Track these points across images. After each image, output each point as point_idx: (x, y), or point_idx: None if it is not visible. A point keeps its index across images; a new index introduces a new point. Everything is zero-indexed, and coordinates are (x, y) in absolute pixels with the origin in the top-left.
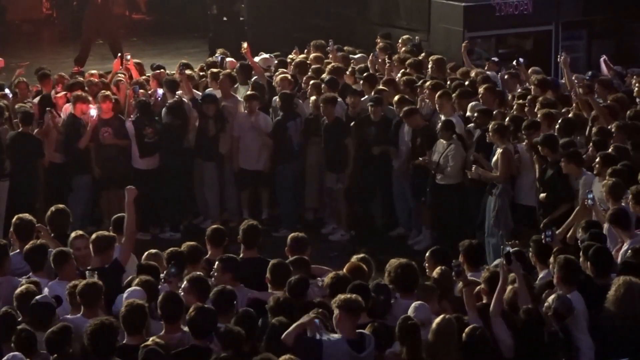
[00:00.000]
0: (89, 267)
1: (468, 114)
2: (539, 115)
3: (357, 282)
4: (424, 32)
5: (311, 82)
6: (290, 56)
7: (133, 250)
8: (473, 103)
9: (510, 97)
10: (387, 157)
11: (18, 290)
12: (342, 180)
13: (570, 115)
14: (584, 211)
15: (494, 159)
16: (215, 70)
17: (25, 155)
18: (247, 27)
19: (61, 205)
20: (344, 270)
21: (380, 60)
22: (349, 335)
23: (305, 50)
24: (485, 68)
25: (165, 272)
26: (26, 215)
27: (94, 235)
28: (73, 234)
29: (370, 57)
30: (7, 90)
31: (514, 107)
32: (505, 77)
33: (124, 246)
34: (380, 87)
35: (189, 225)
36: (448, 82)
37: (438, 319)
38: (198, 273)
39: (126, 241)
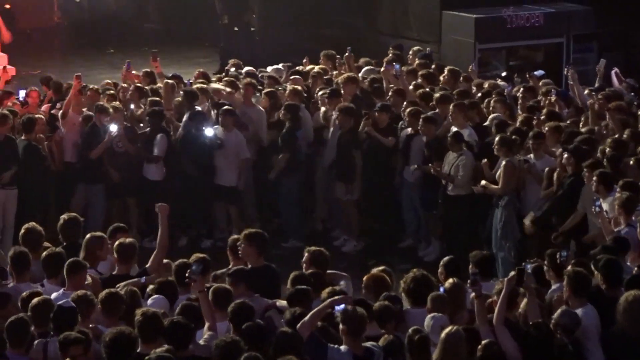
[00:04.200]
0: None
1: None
2: (545, 128)
3: (360, 298)
4: (435, 44)
5: (321, 92)
6: (299, 67)
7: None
8: (494, 114)
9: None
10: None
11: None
12: (352, 191)
13: (584, 129)
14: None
15: (498, 171)
16: (232, 79)
17: (29, 163)
18: (257, 37)
19: (73, 214)
20: (365, 280)
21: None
22: (354, 349)
23: (320, 61)
24: (498, 80)
25: (188, 271)
26: (34, 225)
27: (117, 243)
28: (88, 235)
29: (383, 68)
30: (21, 93)
31: (521, 119)
32: (521, 90)
33: (156, 257)
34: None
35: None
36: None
37: (447, 330)
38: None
39: (158, 253)
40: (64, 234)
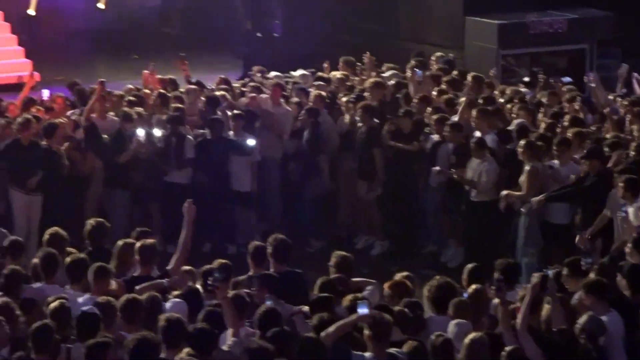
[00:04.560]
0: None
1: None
2: (569, 134)
3: (381, 303)
4: (458, 50)
5: (345, 98)
6: (320, 73)
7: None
8: (518, 120)
9: (541, 116)
10: (420, 173)
11: (52, 305)
12: (373, 189)
13: (608, 135)
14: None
15: (522, 177)
16: (256, 83)
17: (49, 168)
18: (280, 43)
19: (100, 219)
20: (387, 287)
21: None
22: (379, 355)
23: (339, 67)
24: (520, 86)
25: (210, 278)
26: (58, 230)
27: (139, 244)
28: (120, 243)
29: (409, 74)
30: (44, 93)
31: (545, 125)
32: (545, 96)
33: (178, 260)
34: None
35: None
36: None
37: (470, 336)
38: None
39: (180, 256)
40: (91, 239)
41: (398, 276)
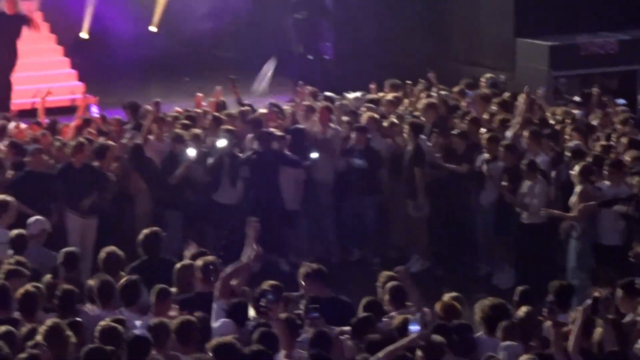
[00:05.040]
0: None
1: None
2: (627, 157)
3: (440, 323)
4: (509, 71)
5: (391, 121)
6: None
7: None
8: (574, 142)
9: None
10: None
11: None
12: (419, 208)
13: None
14: None
15: (573, 198)
16: (308, 104)
17: (100, 190)
18: (331, 65)
19: (155, 228)
20: (437, 309)
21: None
22: None
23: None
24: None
25: (263, 300)
26: (115, 250)
27: (200, 261)
28: (178, 265)
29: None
30: (93, 109)
31: (600, 147)
32: (597, 117)
33: (240, 278)
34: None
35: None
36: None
37: (522, 358)
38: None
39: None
40: (145, 248)
41: (447, 297)
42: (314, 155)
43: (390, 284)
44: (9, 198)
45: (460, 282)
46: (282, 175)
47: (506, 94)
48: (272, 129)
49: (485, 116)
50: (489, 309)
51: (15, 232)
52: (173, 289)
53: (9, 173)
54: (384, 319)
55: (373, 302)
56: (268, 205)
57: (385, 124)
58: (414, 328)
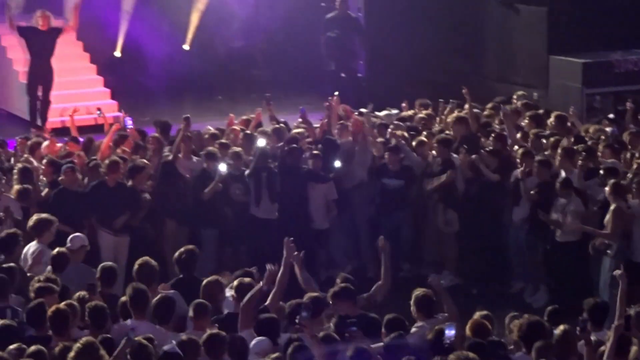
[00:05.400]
0: None
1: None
2: None
3: (475, 341)
4: (542, 89)
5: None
6: (404, 113)
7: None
8: (610, 160)
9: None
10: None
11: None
12: (450, 223)
13: None
14: None
15: (607, 216)
16: (342, 121)
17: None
18: (364, 83)
19: (191, 246)
20: (467, 328)
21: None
22: None
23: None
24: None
25: (298, 317)
26: (148, 260)
27: (236, 283)
28: (205, 281)
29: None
30: (128, 122)
31: (636, 165)
32: (631, 135)
33: (275, 295)
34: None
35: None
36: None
37: None
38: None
39: (277, 291)
40: (181, 266)
41: (477, 315)
42: (338, 164)
43: (418, 294)
44: (51, 217)
45: (492, 299)
46: (312, 192)
47: (539, 110)
48: (301, 145)
49: (517, 132)
50: (527, 327)
51: (56, 250)
52: None
53: (46, 191)
54: (413, 329)
55: (395, 319)
56: (296, 222)
57: (414, 142)
58: (450, 333)
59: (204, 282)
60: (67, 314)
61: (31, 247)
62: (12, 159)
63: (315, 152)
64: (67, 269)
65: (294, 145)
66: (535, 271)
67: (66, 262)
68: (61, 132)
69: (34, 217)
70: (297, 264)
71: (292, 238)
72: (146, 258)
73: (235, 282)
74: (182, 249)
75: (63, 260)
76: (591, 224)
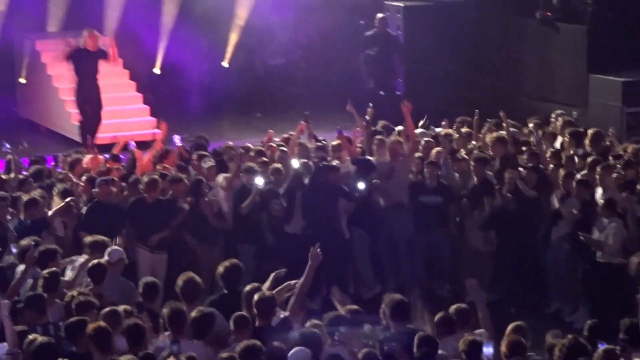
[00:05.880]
0: None
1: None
2: None
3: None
4: (582, 108)
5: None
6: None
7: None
8: None
9: None
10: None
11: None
12: (488, 242)
13: None
14: None
15: None
16: (380, 137)
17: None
18: (403, 100)
19: (235, 260)
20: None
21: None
22: None
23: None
24: None
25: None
26: (193, 276)
27: (256, 297)
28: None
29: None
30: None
31: None
32: None
33: (295, 304)
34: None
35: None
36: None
37: None
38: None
39: (297, 300)
40: (225, 281)
41: (510, 330)
42: (362, 186)
43: (454, 306)
44: (106, 238)
45: (529, 318)
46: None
47: (579, 128)
48: (332, 162)
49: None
50: (567, 348)
51: (95, 261)
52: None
53: (84, 208)
54: (446, 339)
55: (426, 338)
56: (325, 236)
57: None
58: (489, 351)
59: (245, 291)
60: (109, 331)
61: (80, 258)
62: (52, 175)
63: (347, 170)
64: (105, 282)
65: (327, 162)
66: (574, 291)
67: (104, 274)
68: (103, 149)
69: (93, 238)
70: (310, 265)
71: (319, 249)
72: (190, 274)
73: (256, 297)
74: (226, 263)
75: (101, 272)
76: (633, 245)
